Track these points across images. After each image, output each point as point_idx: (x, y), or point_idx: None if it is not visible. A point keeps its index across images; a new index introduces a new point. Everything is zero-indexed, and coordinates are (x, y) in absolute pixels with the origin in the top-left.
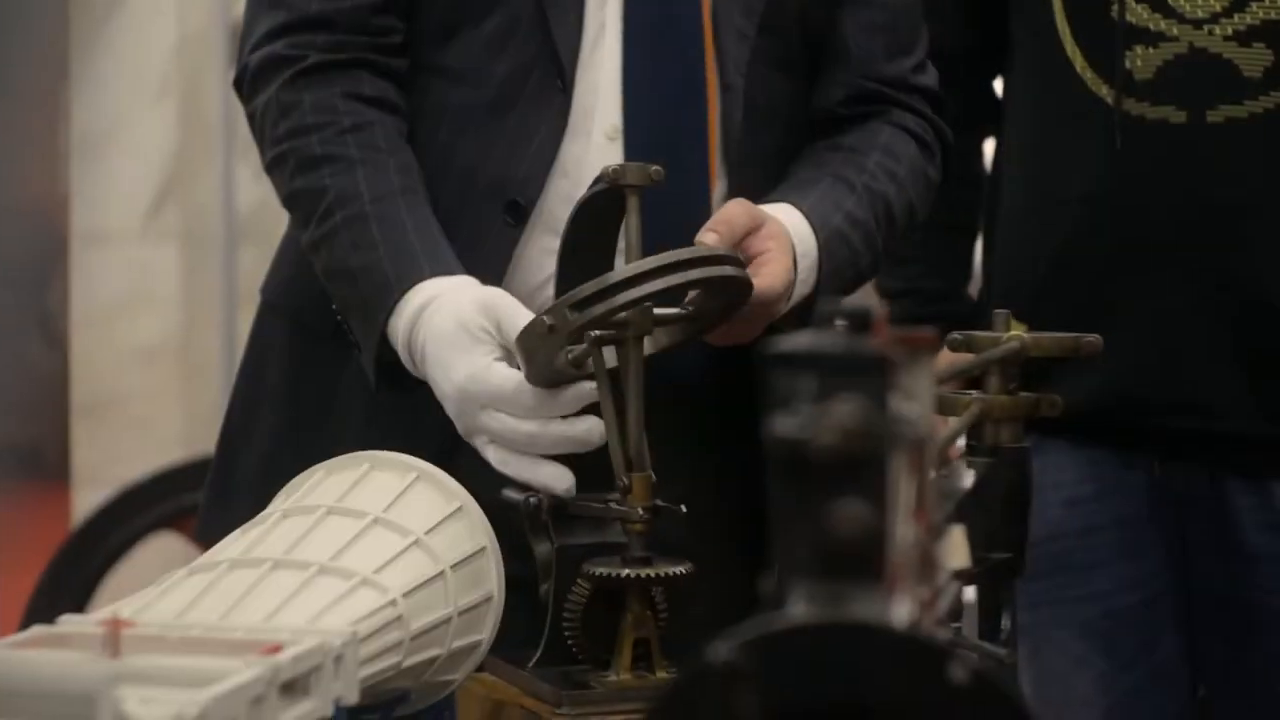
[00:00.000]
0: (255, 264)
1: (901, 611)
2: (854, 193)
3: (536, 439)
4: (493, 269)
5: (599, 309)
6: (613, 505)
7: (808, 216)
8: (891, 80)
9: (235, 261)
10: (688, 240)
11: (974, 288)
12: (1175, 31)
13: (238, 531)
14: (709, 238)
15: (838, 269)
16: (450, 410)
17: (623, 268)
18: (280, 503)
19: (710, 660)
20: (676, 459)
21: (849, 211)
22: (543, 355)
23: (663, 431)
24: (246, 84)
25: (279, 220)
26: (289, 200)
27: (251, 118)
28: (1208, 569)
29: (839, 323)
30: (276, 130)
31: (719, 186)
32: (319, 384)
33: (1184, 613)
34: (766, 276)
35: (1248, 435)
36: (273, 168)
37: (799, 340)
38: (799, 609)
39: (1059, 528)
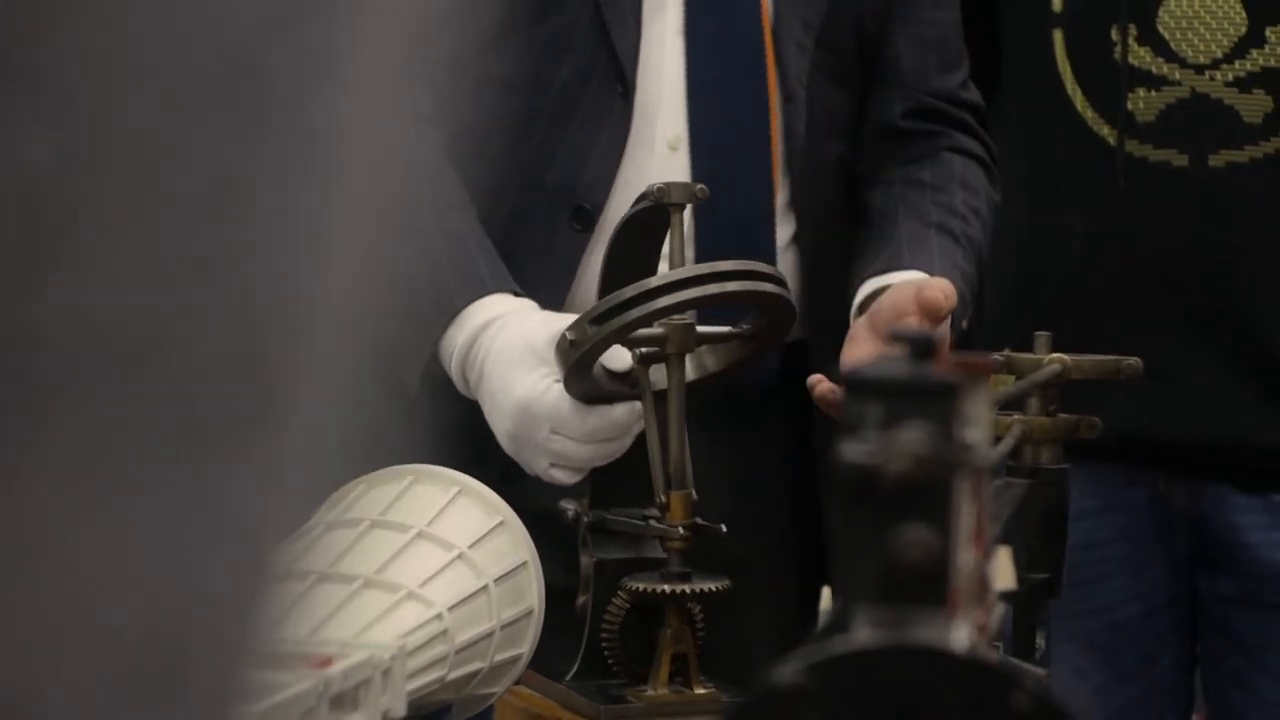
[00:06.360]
0: None
1: (963, 636)
2: (960, 246)
3: (594, 462)
4: (563, 275)
5: (614, 323)
6: (652, 523)
7: None
8: (944, 95)
9: None
10: (750, 253)
11: None
12: (1177, 76)
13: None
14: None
15: (954, 325)
16: (505, 429)
17: (635, 284)
18: (324, 515)
19: (775, 682)
20: (724, 476)
21: (963, 270)
22: (572, 369)
23: (709, 450)
24: None
25: None
26: None
27: None
28: (1214, 583)
29: (903, 349)
30: None
31: (781, 198)
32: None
33: (1186, 627)
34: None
35: (1251, 450)
36: None
37: (865, 367)
38: (863, 633)
39: None
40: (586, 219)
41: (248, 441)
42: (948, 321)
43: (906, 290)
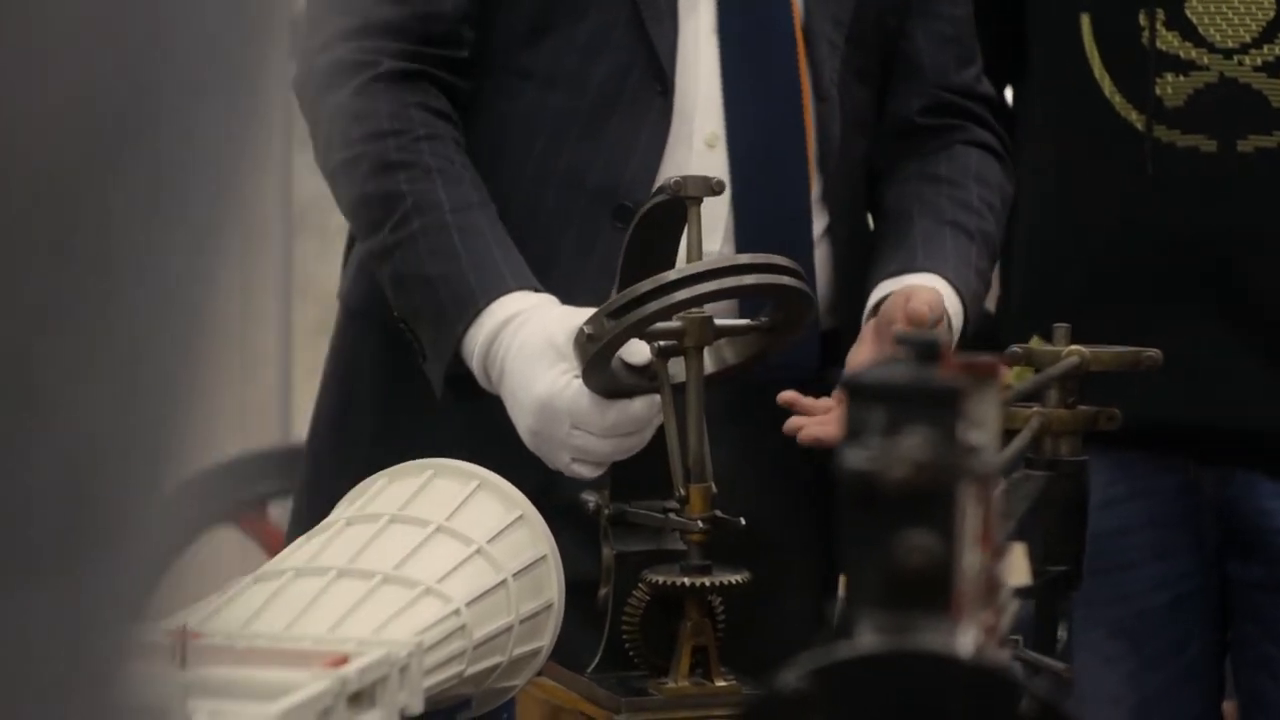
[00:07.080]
0: (312, 255)
1: (968, 640)
2: (974, 242)
3: (615, 456)
4: (605, 273)
5: (631, 317)
6: (671, 516)
7: (956, 289)
8: (961, 90)
9: (292, 253)
10: (787, 247)
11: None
12: (1206, 60)
13: (302, 539)
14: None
15: (966, 326)
16: (526, 425)
17: (652, 278)
18: (343, 510)
19: (780, 687)
20: (751, 468)
21: (978, 268)
22: (590, 363)
23: (739, 442)
24: (312, 85)
25: (336, 212)
26: (360, 202)
27: (315, 120)
28: (1244, 569)
29: (907, 353)
30: (349, 134)
31: (814, 193)
32: (416, 395)
33: (1214, 615)
34: None
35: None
36: (341, 171)
37: (868, 372)
38: (867, 638)
39: (1091, 529)
40: (628, 217)
41: (70, 571)
42: (946, 325)
43: (898, 299)
